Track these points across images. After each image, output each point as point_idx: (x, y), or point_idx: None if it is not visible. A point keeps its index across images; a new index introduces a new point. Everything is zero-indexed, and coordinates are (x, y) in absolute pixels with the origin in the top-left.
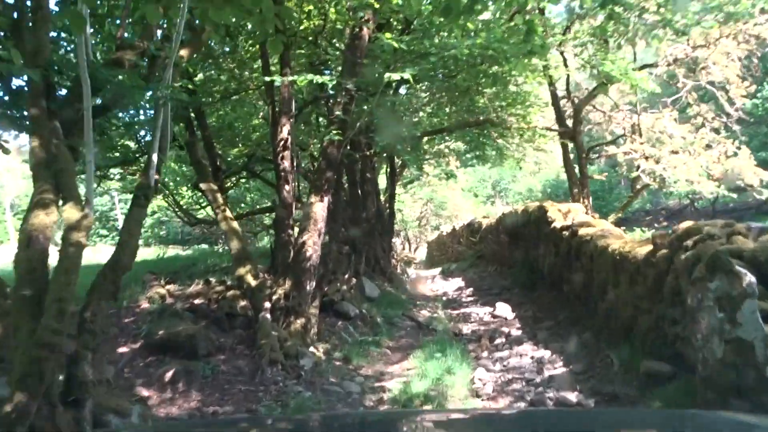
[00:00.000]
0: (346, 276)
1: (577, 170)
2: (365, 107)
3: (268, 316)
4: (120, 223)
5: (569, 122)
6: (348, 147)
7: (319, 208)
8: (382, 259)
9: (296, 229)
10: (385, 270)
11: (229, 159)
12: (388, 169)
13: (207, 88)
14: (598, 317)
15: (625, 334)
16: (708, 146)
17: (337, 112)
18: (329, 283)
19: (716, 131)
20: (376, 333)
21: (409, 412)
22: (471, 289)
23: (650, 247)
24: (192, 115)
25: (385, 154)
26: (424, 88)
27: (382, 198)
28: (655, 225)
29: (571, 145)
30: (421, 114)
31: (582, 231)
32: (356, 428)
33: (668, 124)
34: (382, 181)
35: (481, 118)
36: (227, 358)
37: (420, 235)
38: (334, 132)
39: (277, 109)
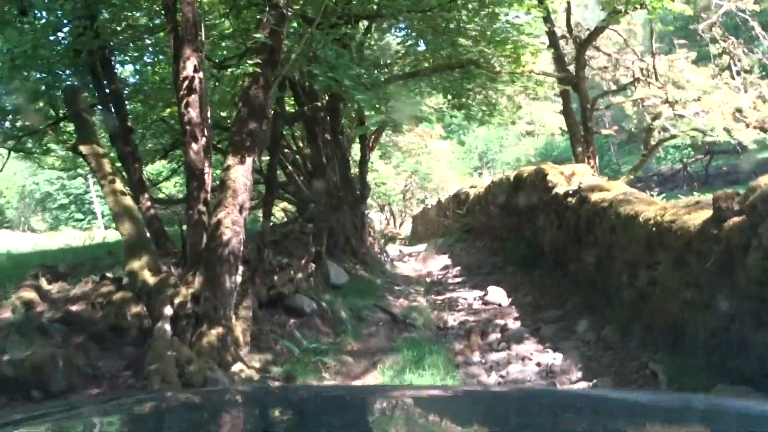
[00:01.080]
0: (303, 261)
1: (580, 125)
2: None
3: (168, 327)
4: (96, 207)
5: (570, 68)
6: (295, 97)
7: (240, 174)
8: (354, 237)
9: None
10: (357, 250)
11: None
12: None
13: (110, 27)
14: (624, 308)
15: (673, 336)
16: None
17: (259, 35)
18: (280, 271)
19: (748, 71)
20: (337, 333)
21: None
22: (458, 268)
23: (708, 213)
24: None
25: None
26: (393, 25)
27: (354, 167)
28: (650, 193)
29: (572, 97)
30: (392, 52)
31: (594, 196)
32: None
33: (685, 68)
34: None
35: (464, 59)
36: (105, 392)
37: (405, 209)
38: (250, 63)
39: (180, 36)
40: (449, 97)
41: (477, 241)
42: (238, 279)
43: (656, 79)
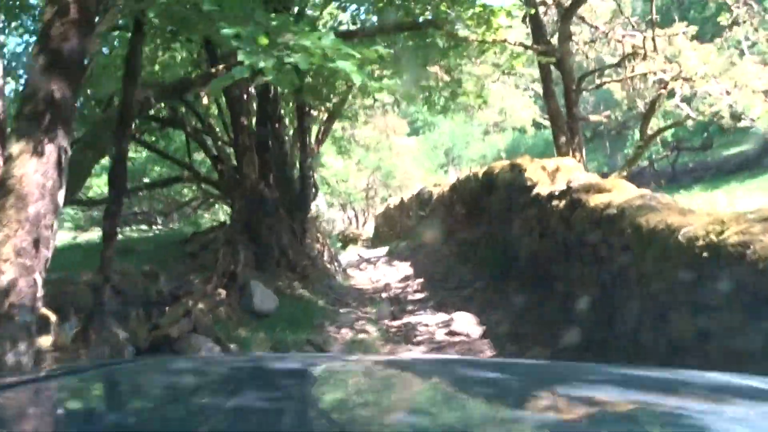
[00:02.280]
0: (211, 284)
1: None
2: None
3: None
4: None
5: (552, 42)
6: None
7: (31, 169)
8: (292, 247)
9: None
10: (296, 263)
11: None
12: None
13: None
14: (646, 361)
15: None
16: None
17: None
18: (174, 302)
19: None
20: None
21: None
22: (420, 279)
23: None
24: None
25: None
26: None
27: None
28: None
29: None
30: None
31: (593, 200)
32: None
33: (685, 45)
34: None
35: (420, 20)
36: None
37: (368, 208)
38: None
39: None
40: (403, 75)
41: (442, 245)
42: (47, 341)
43: (655, 51)
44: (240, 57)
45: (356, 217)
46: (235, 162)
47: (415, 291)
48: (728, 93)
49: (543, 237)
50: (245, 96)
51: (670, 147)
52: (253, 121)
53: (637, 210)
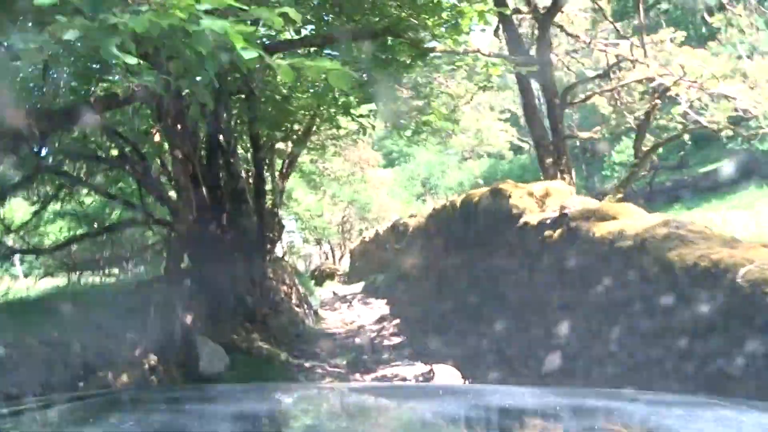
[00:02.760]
0: (140, 349)
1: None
2: None
3: None
4: None
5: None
6: None
7: None
8: (250, 293)
9: None
10: (255, 312)
11: None
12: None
13: None
14: None
15: None
16: None
17: None
18: (89, 375)
19: None
20: None
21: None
22: (398, 320)
23: None
24: None
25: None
26: None
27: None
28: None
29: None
30: None
31: (599, 229)
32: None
33: (676, 51)
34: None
35: (380, 27)
36: None
37: (344, 242)
38: None
39: None
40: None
41: (420, 280)
42: None
43: (647, 58)
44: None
45: (332, 251)
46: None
47: (392, 334)
48: (751, 89)
49: (533, 273)
50: (179, 125)
51: (648, 167)
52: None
53: (663, 241)
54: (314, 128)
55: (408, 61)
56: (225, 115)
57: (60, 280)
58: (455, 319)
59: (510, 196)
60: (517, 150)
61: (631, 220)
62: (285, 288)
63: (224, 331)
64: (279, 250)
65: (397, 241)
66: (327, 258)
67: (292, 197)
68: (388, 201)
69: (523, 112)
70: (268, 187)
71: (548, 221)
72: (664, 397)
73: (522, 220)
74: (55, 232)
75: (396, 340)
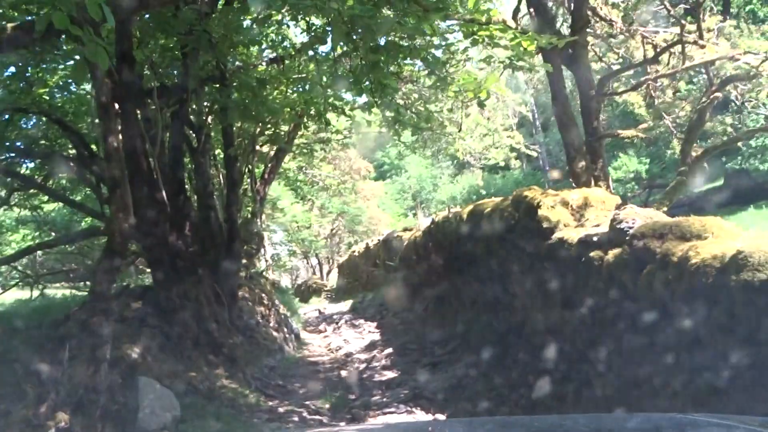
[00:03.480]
0: (47, 404)
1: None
2: None
3: None
4: None
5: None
6: None
7: None
8: (216, 319)
9: None
10: (221, 341)
11: None
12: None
13: None
14: None
15: None
16: None
17: None
18: None
19: None
20: None
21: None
22: (390, 349)
23: None
24: None
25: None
26: None
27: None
28: None
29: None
30: None
31: (697, 253)
32: None
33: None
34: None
35: None
36: None
37: (332, 255)
38: None
39: None
40: (356, 72)
41: (415, 303)
42: None
43: (701, 37)
44: None
45: (320, 265)
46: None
47: (384, 367)
48: None
49: (570, 306)
50: (117, 105)
51: (643, 185)
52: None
53: None
54: (301, 128)
55: (416, 24)
56: (195, 106)
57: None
58: (457, 351)
59: (539, 206)
60: (524, 159)
61: (728, 241)
62: (262, 309)
63: (180, 367)
64: (261, 264)
65: (388, 257)
66: (314, 272)
67: (278, 206)
68: (379, 214)
69: (553, 104)
70: (248, 193)
71: (595, 238)
72: None
73: (556, 236)
74: (18, 240)
75: (388, 374)
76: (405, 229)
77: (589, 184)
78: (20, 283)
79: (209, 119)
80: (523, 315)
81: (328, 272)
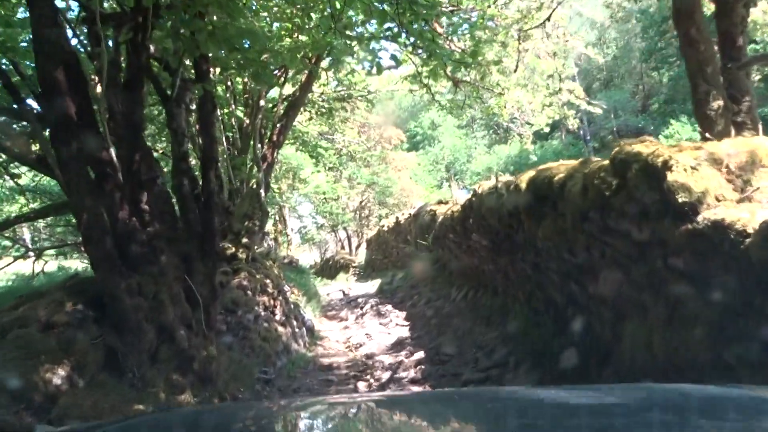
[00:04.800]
0: None
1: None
2: None
3: None
4: None
5: None
6: None
7: None
8: (187, 324)
9: None
10: (191, 355)
11: None
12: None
13: None
14: None
15: None
16: None
17: None
18: None
19: None
20: None
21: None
22: (421, 354)
23: None
24: None
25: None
26: None
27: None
28: None
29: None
30: None
31: None
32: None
33: None
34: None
35: None
36: None
37: (361, 229)
38: None
39: None
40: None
41: (453, 287)
42: None
43: None
44: None
45: (348, 239)
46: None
47: (412, 380)
48: None
49: (726, 337)
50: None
51: None
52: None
53: None
54: (315, 78)
55: None
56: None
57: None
58: (511, 362)
59: (667, 167)
60: (564, 128)
61: None
62: (265, 299)
63: (124, 396)
64: (267, 243)
65: (421, 235)
66: (342, 247)
67: (299, 176)
68: (411, 185)
69: (675, 19)
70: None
71: None
72: None
73: (704, 218)
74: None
75: (418, 387)
76: (440, 202)
77: (727, 131)
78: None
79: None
80: (618, 331)
81: (357, 246)
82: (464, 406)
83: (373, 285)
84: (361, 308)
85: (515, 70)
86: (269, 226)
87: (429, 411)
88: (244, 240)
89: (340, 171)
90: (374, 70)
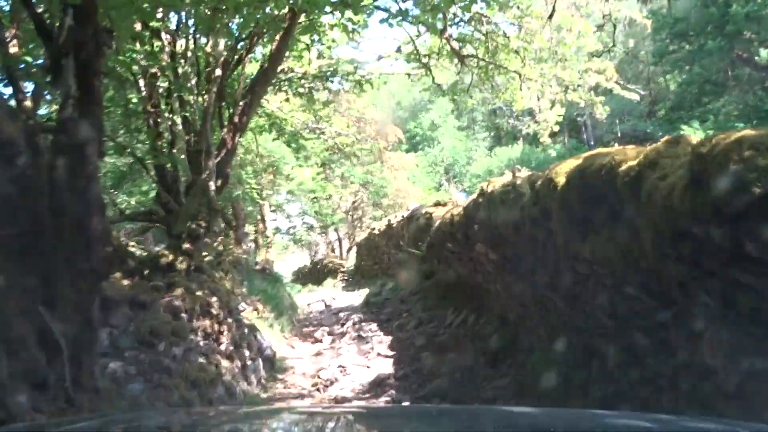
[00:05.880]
0: None
1: None
2: None
3: None
4: None
5: None
6: None
7: None
8: (42, 379)
9: None
10: (64, 391)
11: None
12: None
13: None
14: None
15: None
16: None
17: None
18: None
19: None
20: None
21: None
22: (406, 401)
23: None
24: None
25: None
26: None
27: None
28: None
29: None
30: None
31: None
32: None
33: None
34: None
35: None
36: None
37: (353, 231)
38: None
39: None
40: None
41: (450, 309)
42: None
43: None
44: None
45: (339, 241)
46: None
47: None
48: None
49: None
50: None
51: None
52: None
53: None
54: (289, 46)
55: None
56: None
57: None
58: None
59: None
60: (566, 130)
61: None
62: (207, 324)
63: None
64: (246, 245)
65: (412, 241)
66: (333, 249)
67: (280, 171)
68: (408, 186)
69: None
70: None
71: None
72: None
73: None
74: None
75: None
76: (437, 204)
77: None
78: None
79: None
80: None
81: (348, 249)
82: (444, 423)
83: (359, 295)
84: (342, 325)
85: (548, 20)
86: (249, 227)
87: (408, 427)
88: (186, 246)
89: (331, 168)
90: (357, 34)
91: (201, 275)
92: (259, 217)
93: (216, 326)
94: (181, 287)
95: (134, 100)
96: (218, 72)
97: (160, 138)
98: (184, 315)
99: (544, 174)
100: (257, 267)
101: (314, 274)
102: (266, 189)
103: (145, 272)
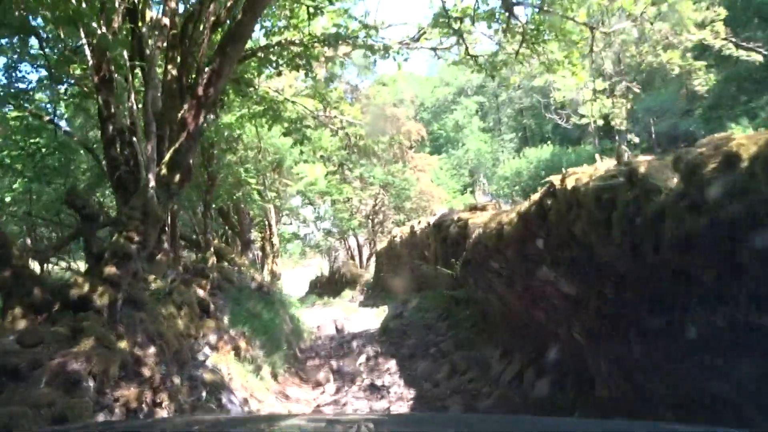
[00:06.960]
0: None
1: None
2: None
3: None
4: None
5: None
6: None
7: None
8: None
9: None
10: None
11: None
12: None
13: None
14: None
15: None
16: None
17: None
18: None
19: None
20: None
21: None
22: None
23: None
24: None
25: None
26: None
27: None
28: None
29: None
30: None
31: None
32: None
33: None
34: None
35: None
36: None
37: (374, 237)
38: None
39: None
40: None
41: (497, 353)
42: None
43: None
44: None
45: (359, 248)
46: None
47: None
48: None
49: None
50: None
51: None
52: None
53: None
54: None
55: None
56: None
57: None
58: None
59: None
60: (596, 132)
61: None
62: (129, 395)
63: None
64: (252, 254)
65: (443, 253)
66: (352, 257)
67: (284, 169)
68: (432, 188)
69: None
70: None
71: None
72: None
73: None
74: None
75: None
76: (473, 209)
77: None
78: None
79: None
80: None
81: (369, 257)
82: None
83: (377, 315)
84: (355, 359)
85: None
86: (254, 234)
87: None
88: (109, 270)
89: (350, 168)
90: None
91: (136, 313)
92: (266, 222)
93: (149, 396)
94: (92, 336)
95: None
96: (165, 20)
97: None
98: (88, 384)
99: (701, 153)
100: (253, 285)
101: (332, 284)
102: (271, 190)
103: (55, 308)
